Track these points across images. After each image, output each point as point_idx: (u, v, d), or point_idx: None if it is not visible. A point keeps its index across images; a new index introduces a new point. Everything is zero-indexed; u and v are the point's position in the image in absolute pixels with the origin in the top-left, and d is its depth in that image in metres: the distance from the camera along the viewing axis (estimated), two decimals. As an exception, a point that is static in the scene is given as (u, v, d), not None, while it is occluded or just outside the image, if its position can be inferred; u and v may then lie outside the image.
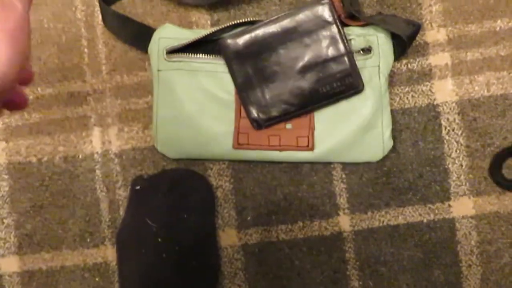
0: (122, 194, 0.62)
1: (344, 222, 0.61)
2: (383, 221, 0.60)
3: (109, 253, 0.62)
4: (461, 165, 0.60)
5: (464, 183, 0.60)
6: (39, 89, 0.62)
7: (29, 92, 0.62)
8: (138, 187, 0.58)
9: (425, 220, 0.60)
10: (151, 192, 0.57)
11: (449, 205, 0.60)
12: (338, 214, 0.61)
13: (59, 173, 0.62)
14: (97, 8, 0.62)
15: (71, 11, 0.63)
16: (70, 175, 0.62)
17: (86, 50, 0.62)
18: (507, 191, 0.59)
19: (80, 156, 0.62)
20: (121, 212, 0.62)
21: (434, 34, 0.60)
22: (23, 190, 0.63)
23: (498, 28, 0.60)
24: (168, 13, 0.62)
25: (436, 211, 0.60)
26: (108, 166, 0.62)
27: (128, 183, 0.62)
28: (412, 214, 0.60)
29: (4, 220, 0.63)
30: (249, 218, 0.61)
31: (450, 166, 0.60)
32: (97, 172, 0.62)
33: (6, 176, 0.63)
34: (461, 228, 0.60)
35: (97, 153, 0.62)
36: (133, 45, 0.61)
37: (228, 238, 0.61)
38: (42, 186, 0.62)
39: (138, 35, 0.60)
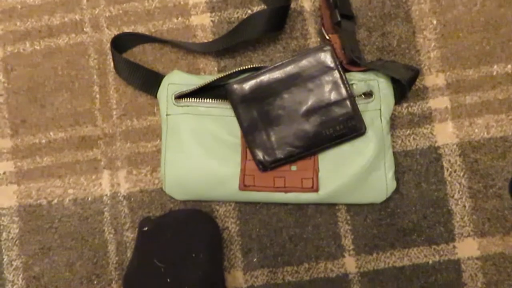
0: (130, 236, 0.63)
1: (350, 263, 0.61)
2: (388, 263, 0.61)
3: (115, 296, 0.62)
4: (464, 206, 0.61)
5: (468, 224, 0.60)
6: (51, 133, 0.64)
7: (42, 136, 0.64)
8: (145, 228, 0.59)
9: (430, 262, 0.60)
10: (158, 233, 0.57)
11: (454, 246, 0.60)
12: (344, 256, 0.61)
13: (68, 215, 0.63)
14: (109, 56, 0.65)
15: (84, 59, 0.65)
16: (79, 217, 0.63)
17: (98, 95, 0.65)
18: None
19: (89, 199, 0.64)
20: (129, 254, 0.62)
21: (433, 78, 0.63)
22: (32, 232, 0.64)
23: (494, 73, 0.62)
24: (177, 60, 0.65)
25: (441, 252, 0.60)
26: (116, 208, 0.63)
27: (136, 225, 0.63)
28: (417, 255, 0.60)
29: (13, 262, 0.63)
30: (255, 259, 0.61)
31: (453, 207, 0.61)
32: (106, 214, 0.63)
33: (16, 219, 0.64)
34: (466, 270, 0.60)
35: (106, 195, 0.63)
36: (143, 91, 0.63)
37: (234, 280, 0.61)
38: (52, 228, 0.63)
39: (148, 81, 0.62)
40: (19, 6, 0.67)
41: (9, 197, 0.64)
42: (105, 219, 0.63)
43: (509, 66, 0.62)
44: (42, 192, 0.64)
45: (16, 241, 0.64)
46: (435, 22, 0.63)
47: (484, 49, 0.63)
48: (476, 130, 0.62)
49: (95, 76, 0.65)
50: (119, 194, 0.63)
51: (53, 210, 0.64)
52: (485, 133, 0.62)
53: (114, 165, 0.64)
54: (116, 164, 0.64)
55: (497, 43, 0.62)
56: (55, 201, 0.64)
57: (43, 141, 0.65)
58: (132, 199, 0.63)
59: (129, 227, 0.63)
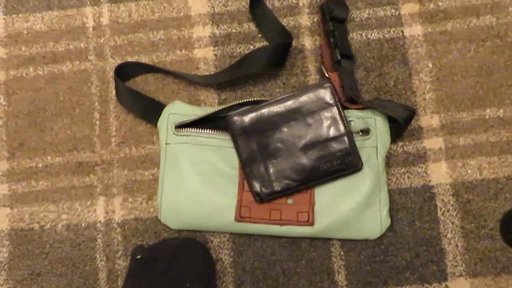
0: (122, 264, 0.62)
1: (342, 300, 0.61)
2: (381, 300, 0.60)
3: (104, 325, 0.61)
4: (457, 246, 0.61)
5: (460, 264, 0.61)
6: (48, 157, 0.65)
7: (39, 160, 0.64)
8: (138, 257, 0.58)
9: (422, 301, 0.60)
10: (152, 262, 0.57)
11: (446, 286, 0.60)
12: (337, 292, 0.61)
13: (60, 241, 0.63)
14: (111, 84, 0.66)
15: (86, 86, 0.66)
16: (71, 243, 0.63)
17: (97, 122, 0.65)
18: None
19: (82, 225, 0.63)
20: (119, 282, 0.62)
21: (428, 119, 0.64)
22: (22, 257, 0.63)
23: (487, 116, 0.64)
24: (179, 91, 0.66)
25: (434, 292, 0.60)
26: (110, 235, 0.63)
27: (129, 253, 0.62)
28: (409, 294, 0.61)
29: None
30: (247, 293, 0.61)
31: (446, 246, 0.61)
32: (99, 241, 0.63)
33: (6, 242, 0.63)
34: (458, 310, 0.60)
35: (100, 222, 0.63)
36: (144, 119, 0.64)
37: (226, 312, 0.61)
38: (42, 253, 0.63)
39: (149, 110, 0.63)
40: (25, 32, 0.68)
41: (1, 220, 0.63)
42: (97, 246, 0.63)
43: (501, 110, 0.64)
44: (35, 217, 0.63)
45: (4, 265, 0.63)
46: (430, 65, 0.65)
47: (477, 93, 0.65)
48: (469, 171, 0.63)
49: (96, 103, 0.66)
50: (113, 221, 0.63)
51: (45, 235, 0.63)
52: (478, 174, 0.63)
53: (110, 192, 0.64)
54: (112, 191, 0.64)
55: (489, 88, 0.65)
56: (48, 226, 0.63)
57: (40, 165, 0.65)
58: (126, 226, 0.63)
59: (121, 255, 0.62)
